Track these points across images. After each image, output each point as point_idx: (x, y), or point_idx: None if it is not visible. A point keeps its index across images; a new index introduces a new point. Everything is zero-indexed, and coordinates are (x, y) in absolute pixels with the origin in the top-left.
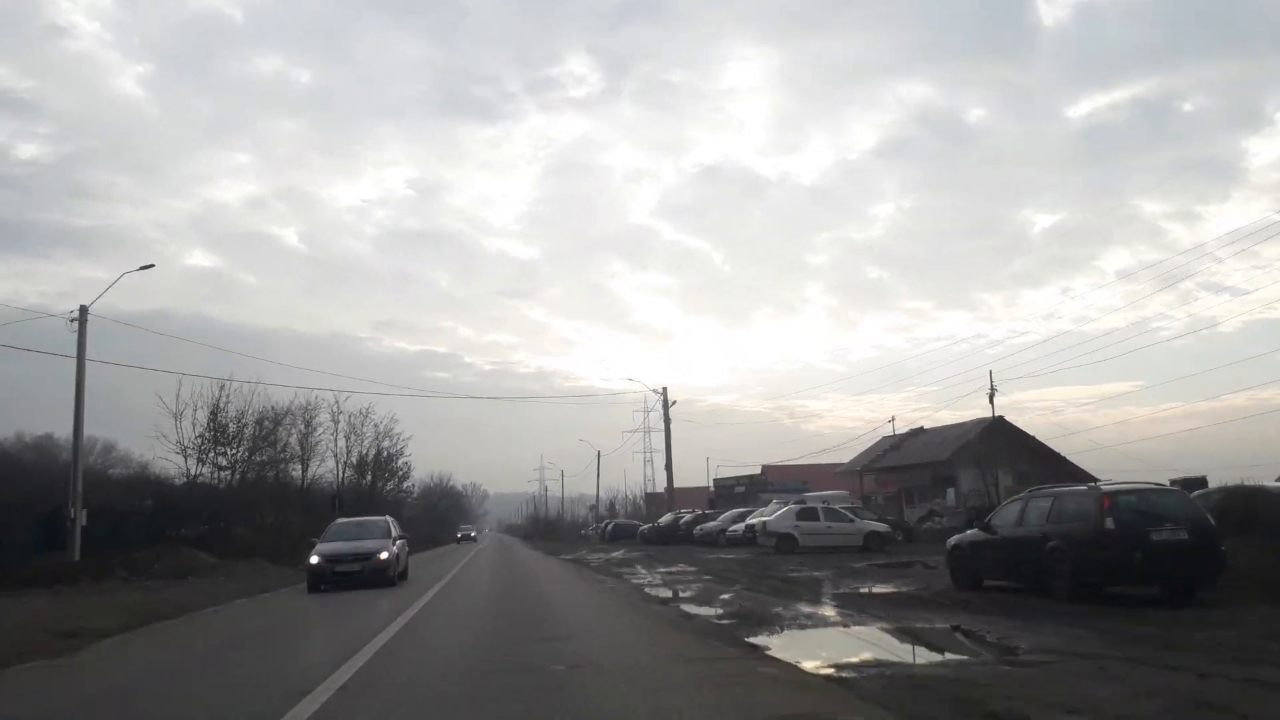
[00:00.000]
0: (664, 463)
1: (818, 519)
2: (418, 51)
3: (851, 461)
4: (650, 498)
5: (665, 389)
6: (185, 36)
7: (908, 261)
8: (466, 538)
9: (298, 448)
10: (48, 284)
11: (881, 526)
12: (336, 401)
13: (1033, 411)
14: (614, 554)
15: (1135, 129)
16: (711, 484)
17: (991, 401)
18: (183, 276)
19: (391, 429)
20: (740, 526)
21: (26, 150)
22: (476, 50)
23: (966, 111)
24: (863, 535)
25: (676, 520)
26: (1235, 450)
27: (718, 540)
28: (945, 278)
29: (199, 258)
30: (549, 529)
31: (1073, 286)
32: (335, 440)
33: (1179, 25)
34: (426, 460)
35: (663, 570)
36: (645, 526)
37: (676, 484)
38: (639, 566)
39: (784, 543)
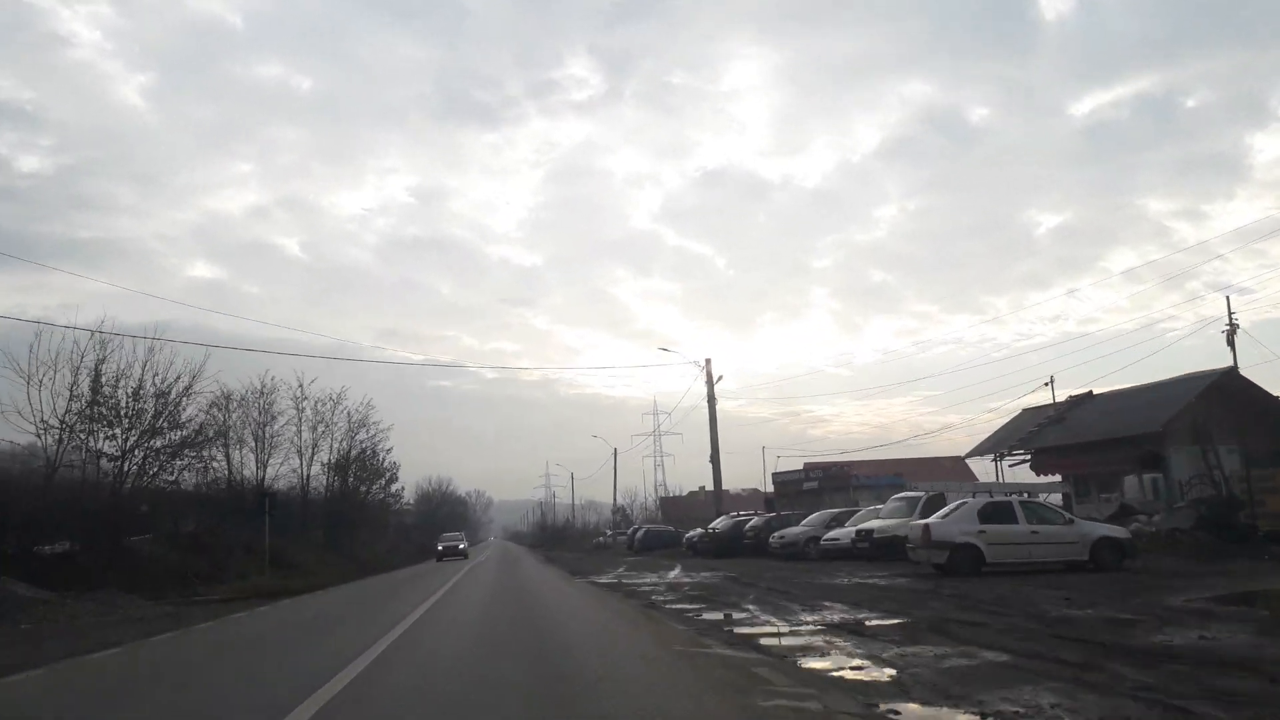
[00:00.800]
0: (709, 454)
1: (1013, 521)
2: (419, 56)
3: (987, 443)
4: (666, 501)
5: (709, 360)
6: (186, 44)
7: (912, 264)
8: (451, 551)
9: (251, 440)
10: (50, 297)
11: (1117, 530)
12: (300, 385)
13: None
14: (670, 575)
15: (1139, 126)
16: (769, 481)
17: (1231, 344)
18: (185, 288)
19: (367, 418)
20: (846, 533)
21: (28, 162)
22: (477, 54)
23: (969, 110)
24: (1088, 545)
25: (739, 525)
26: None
27: (806, 552)
28: (951, 280)
29: (201, 269)
30: (558, 536)
31: (1079, 287)
32: (299, 432)
33: (1182, 19)
34: (428, 467)
35: (815, 621)
36: (694, 533)
37: (690, 487)
38: (755, 608)
39: (961, 559)
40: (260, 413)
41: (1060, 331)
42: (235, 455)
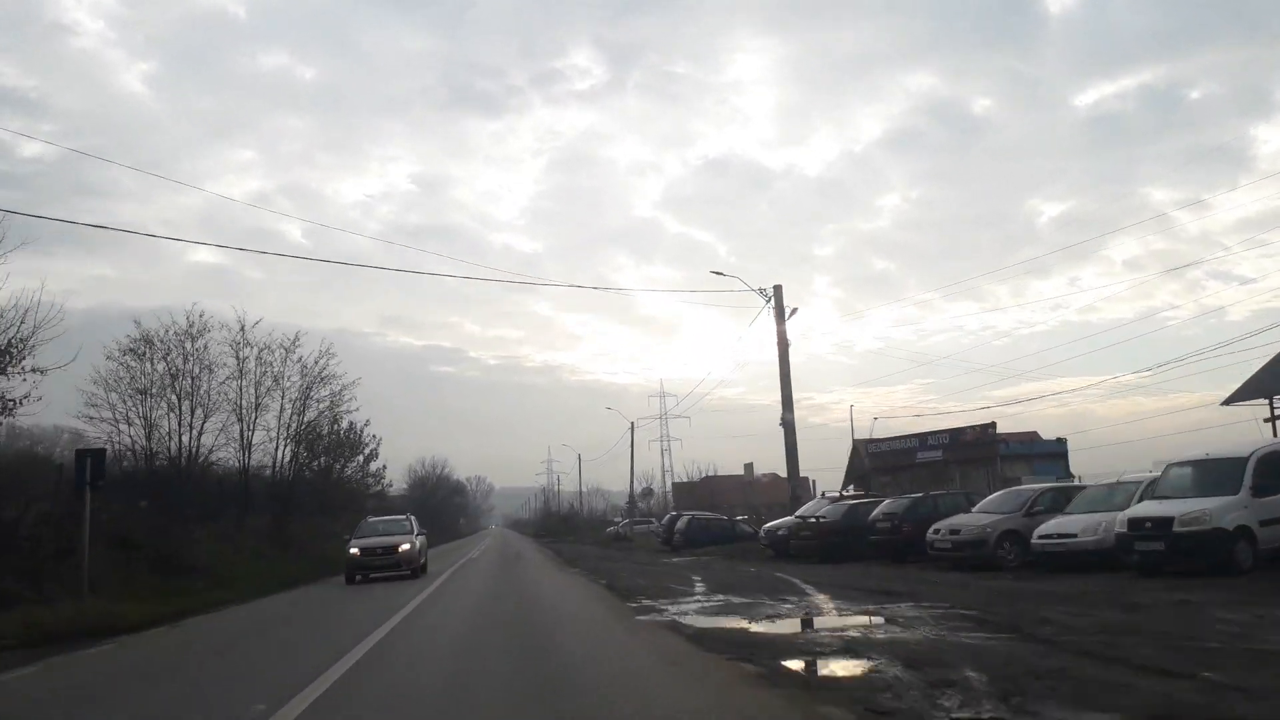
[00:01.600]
0: (779, 416)
1: None
2: (422, 45)
3: (1254, 383)
4: (680, 487)
5: (778, 288)
6: (189, 33)
7: (915, 253)
8: (378, 562)
9: (174, 398)
10: (52, 283)
11: None
12: (241, 327)
13: (1042, 402)
14: (823, 609)
15: (1143, 117)
16: (862, 453)
17: None
18: (187, 273)
19: (326, 366)
20: (1089, 524)
21: (31, 148)
22: (481, 43)
23: (973, 101)
24: None
25: (857, 512)
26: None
27: (999, 557)
28: (953, 269)
29: (204, 254)
30: (565, 525)
31: (1081, 276)
32: (240, 389)
33: (1186, 11)
34: (428, 454)
35: None
36: (778, 524)
37: (697, 474)
38: None
39: None
40: (186, 361)
41: (1060, 320)
42: (163, 420)
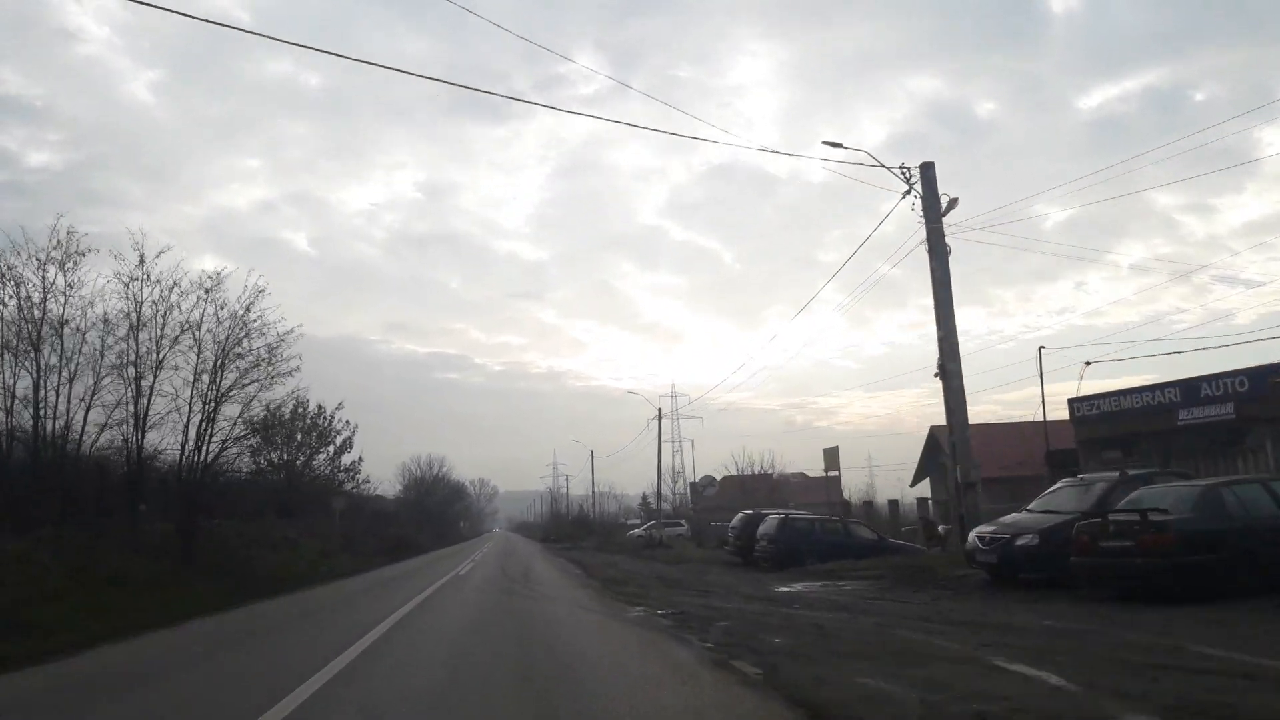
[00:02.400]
0: (938, 357)
1: None
2: (426, 51)
3: None
4: (728, 481)
5: (928, 165)
6: (195, 40)
7: (919, 257)
8: None
9: (30, 350)
10: None
11: None
12: (140, 255)
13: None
14: None
15: (1147, 120)
16: (1071, 416)
17: None
18: (189, 279)
19: (251, 305)
20: None
21: (37, 157)
22: (485, 49)
23: (976, 104)
24: None
25: (1216, 504)
26: None
27: None
28: (958, 274)
29: (209, 263)
30: (579, 528)
31: (1086, 281)
32: (133, 341)
33: (1190, 12)
34: (424, 454)
35: None
36: (1002, 528)
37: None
38: None
39: None
40: (49, 299)
41: (1066, 324)
42: (24, 384)
